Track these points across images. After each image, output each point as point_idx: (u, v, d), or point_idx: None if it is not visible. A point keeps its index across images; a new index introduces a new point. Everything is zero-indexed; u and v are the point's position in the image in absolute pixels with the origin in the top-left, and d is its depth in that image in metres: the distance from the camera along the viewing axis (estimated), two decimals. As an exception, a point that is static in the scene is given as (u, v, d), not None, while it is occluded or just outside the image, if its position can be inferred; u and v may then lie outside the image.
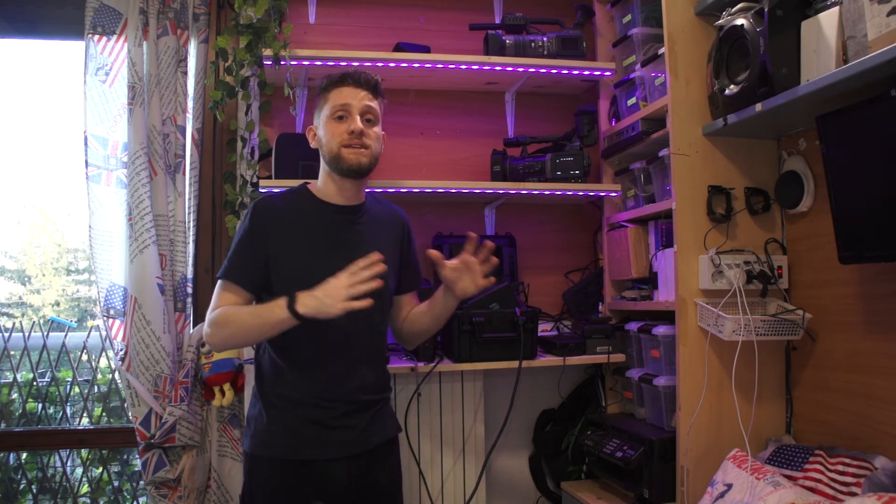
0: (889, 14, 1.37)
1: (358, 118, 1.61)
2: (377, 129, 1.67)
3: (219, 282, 1.63)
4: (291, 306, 1.46)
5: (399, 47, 2.30)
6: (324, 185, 1.69)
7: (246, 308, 1.58)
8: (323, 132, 1.64)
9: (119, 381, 2.52)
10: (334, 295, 1.45)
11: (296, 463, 1.57)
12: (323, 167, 1.68)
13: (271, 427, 1.59)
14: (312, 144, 1.70)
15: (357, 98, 1.62)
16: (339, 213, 1.67)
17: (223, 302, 1.59)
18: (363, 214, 1.70)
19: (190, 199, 2.26)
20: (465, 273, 1.64)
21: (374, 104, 1.65)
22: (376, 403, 1.68)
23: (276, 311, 1.48)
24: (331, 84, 1.65)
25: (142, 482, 2.36)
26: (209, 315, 1.58)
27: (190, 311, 2.28)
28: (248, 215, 1.64)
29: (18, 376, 2.58)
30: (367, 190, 1.78)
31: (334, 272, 1.50)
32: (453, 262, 1.64)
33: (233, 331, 1.55)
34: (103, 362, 2.63)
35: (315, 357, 1.60)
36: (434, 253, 1.64)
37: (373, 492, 1.65)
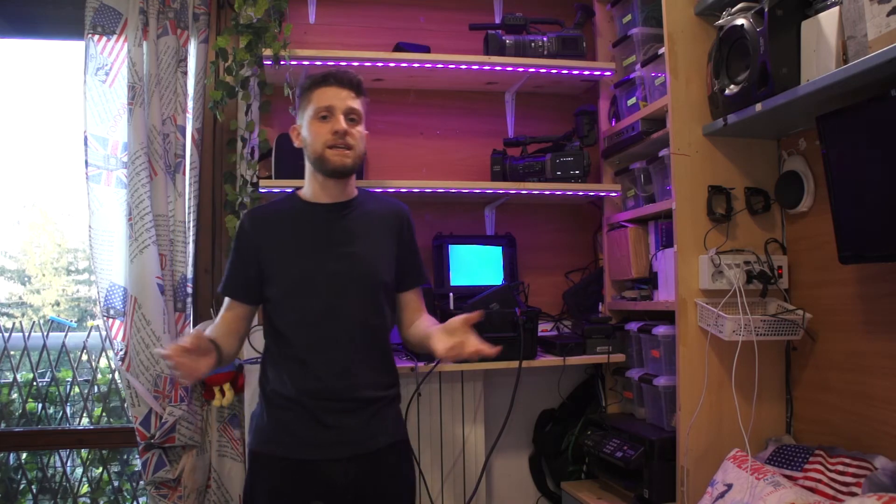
0: (889, 14, 1.37)
1: (342, 118, 1.60)
2: (361, 129, 1.66)
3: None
4: None
5: (399, 47, 2.30)
6: (309, 185, 1.70)
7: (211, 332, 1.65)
8: (307, 132, 1.64)
9: (119, 381, 2.52)
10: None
11: (295, 462, 1.57)
12: (308, 167, 1.68)
13: (271, 425, 1.61)
14: (296, 144, 1.71)
15: (340, 98, 1.61)
16: (326, 210, 1.67)
17: (221, 317, 1.69)
18: (353, 210, 1.69)
19: (190, 199, 2.26)
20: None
21: (357, 104, 1.64)
22: (376, 402, 1.63)
23: None
24: (314, 84, 1.64)
25: (142, 482, 2.36)
26: None
27: (190, 311, 2.28)
28: (237, 231, 1.70)
29: (18, 376, 2.58)
30: (364, 188, 1.78)
31: (327, 270, 1.60)
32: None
33: None
34: (103, 362, 2.63)
35: (309, 354, 1.59)
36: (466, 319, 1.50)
37: (379, 497, 1.62)
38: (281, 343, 1.62)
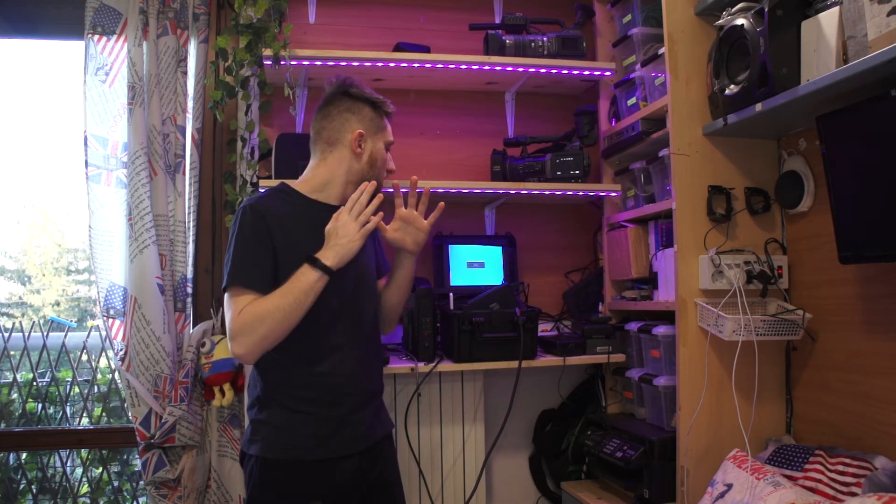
0: (889, 14, 1.37)
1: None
2: None
3: (228, 294, 1.53)
4: (318, 265, 1.51)
5: (399, 47, 2.30)
6: (330, 185, 1.68)
7: (269, 298, 1.49)
8: (378, 155, 1.73)
9: (119, 381, 2.52)
10: (347, 232, 1.55)
11: (309, 463, 1.56)
12: (343, 169, 1.68)
13: (286, 430, 1.57)
14: (357, 151, 1.67)
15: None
16: (333, 211, 1.65)
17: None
18: None
19: (190, 199, 2.26)
20: (408, 227, 1.73)
21: None
22: (377, 396, 1.73)
23: (304, 279, 1.50)
24: (387, 114, 1.77)
25: (142, 482, 2.36)
26: (232, 326, 1.48)
27: (190, 311, 2.28)
28: (250, 217, 1.56)
29: (18, 376, 2.58)
30: None
31: (340, 270, 1.60)
32: (393, 223, 1.72)
33: (271, 322, 1.47)
34: (103, 362, 2.63)
35: (321, 354, 1.59)
36: (375, 223, 1.61)
37: (382, 486, 1.69)
38: (291, 343, 1.53)
